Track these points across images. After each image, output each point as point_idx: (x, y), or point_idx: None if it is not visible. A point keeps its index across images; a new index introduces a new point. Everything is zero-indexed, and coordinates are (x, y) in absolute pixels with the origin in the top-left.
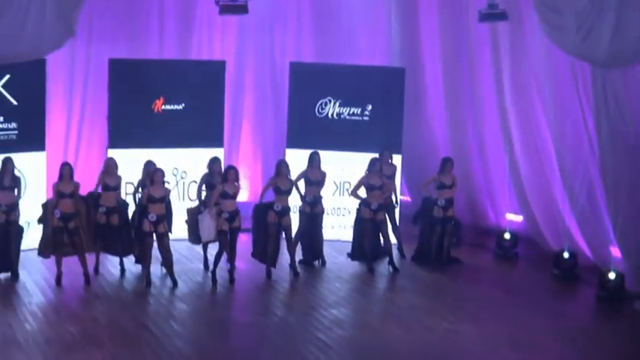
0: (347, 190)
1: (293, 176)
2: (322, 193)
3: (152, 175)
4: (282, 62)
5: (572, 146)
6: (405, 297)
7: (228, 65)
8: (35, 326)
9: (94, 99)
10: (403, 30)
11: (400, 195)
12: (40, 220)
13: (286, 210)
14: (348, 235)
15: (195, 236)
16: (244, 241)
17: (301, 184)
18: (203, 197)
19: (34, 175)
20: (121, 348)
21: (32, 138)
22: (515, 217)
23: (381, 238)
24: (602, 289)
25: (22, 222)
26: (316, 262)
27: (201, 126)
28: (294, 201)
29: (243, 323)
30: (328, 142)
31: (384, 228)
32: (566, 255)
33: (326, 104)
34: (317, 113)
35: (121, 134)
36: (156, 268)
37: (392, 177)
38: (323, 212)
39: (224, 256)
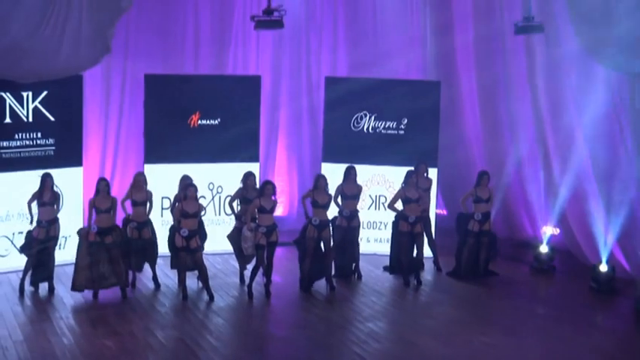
0: (383, 203)
1: (331, 190)
2: (358, 206)
3: (185, 190)
4: (318, 77)
5: (609, 158)
6: (442, 310)
7: (263, 80)
8: (73, 340)
9: (130, 114)
10: (438, 43)
11: (436, 209)
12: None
13: (325, 224)
14: (384, 248)
15: (242, 257)
16: (280, 256)
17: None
18: (237, 211)
19: (72, 190)
20: None
21: (69, 153)
22: (552, 230)
23: (415, 250)
24: None
25: (60, 236)
26: (353, 276)
27: (237, 141)
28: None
29: (279, 337)
30: (364, 156)
31: (420, 241)
32: (603, 268)
33: (361, 118)
34: (352, 127)
35: (157, 149)
36: (192, 282)
37: (427, 190)
38: (359, 226)
39: (260, 270)
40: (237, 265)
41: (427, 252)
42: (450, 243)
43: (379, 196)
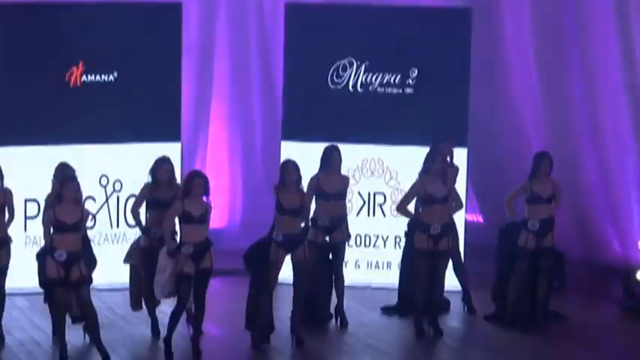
0: (380, 205)
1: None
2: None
3: (61, 188)
4: (273, 2)
5: None
6: None
7: (186, 9)
8: None
9: None
10: None
11: (466, 214)
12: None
13: (295, 239)
14: (383, 277)
15: (150, 293)
16: (218, 291)
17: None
18: (145, 222)
19: None
20: None
21: None
22: None
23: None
24: None
25: None
26: (332, 322)
27: (145, 108)
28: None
29: None
30: (349, 129)
31: (445, 264)
32: None
33: (344, 69)
34: (330, 83)
35: (13, 123)
36: (76, 334)
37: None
38: (345, 242)
39: (184, 316)
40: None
41: (452, 282)
42: (487, 269)
43: (374, 195)
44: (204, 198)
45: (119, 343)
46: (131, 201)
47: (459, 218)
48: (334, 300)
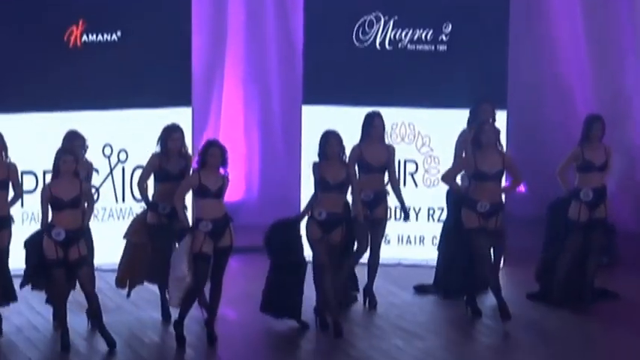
0: (411, 174)
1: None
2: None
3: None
4: None
5: None
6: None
7: None
8: None
9: None
10: None
11: (505, 183)
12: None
13: (337, 218)
14: (416, 254)
15: (159, 275)
16: (233, 271)
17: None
18: (152, 196)
19: None
20: None
21: None
22: None
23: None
24: None
25: None
26: (361, 302)
27: (151, 70)
28: None
29: None
30: (376, 91)
31: (501, 245)
32: None
33: (371, 24)
34: (355, 41)
35: (7, 90)
36: (79, 319)
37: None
38: (386, 217)
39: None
40: (156, 290)
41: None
42: (529, 242)
43: (405, 163)
44: (222, 170)
45: (126, 328)
46: (138, 173)
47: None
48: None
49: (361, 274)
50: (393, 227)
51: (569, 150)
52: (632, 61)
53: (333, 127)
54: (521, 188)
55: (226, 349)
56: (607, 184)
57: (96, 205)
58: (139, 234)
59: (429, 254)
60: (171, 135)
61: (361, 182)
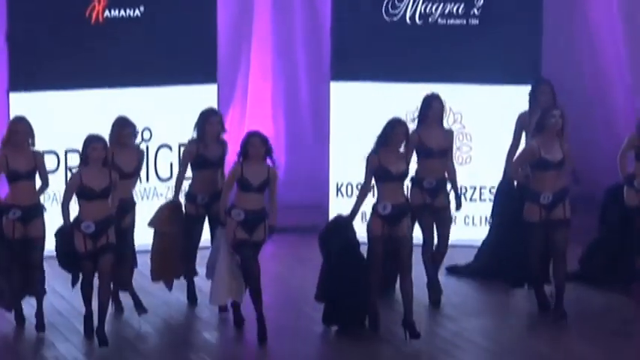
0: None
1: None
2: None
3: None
4: None
5: None
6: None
7: None
8: None
9: None
10: None
11: None
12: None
13: (402, 209)
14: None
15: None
16: (261, 254)
17: None
18: (189, 186)
19: None
20: None
21: None
22: None
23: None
24: None
25: None
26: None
27: (175, 47)
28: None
29: None
30: (406, 67)
31: (562, 237)
32: None
33: None
34: (384, 15)
35: (29, 67)
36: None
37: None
38: (449, 205)
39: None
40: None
41: None
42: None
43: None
44: (268, 160)
45: (152, 311)
46: (162, 152)
47: None
48: None
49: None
50: None
51: (606, 128)
52: None
53: (362, 103)
54: None
55: (248, 333)
56: None
57: None
58: (166, 223)
59: (460, 234)
60: (208, 119)
61: (421, 169)
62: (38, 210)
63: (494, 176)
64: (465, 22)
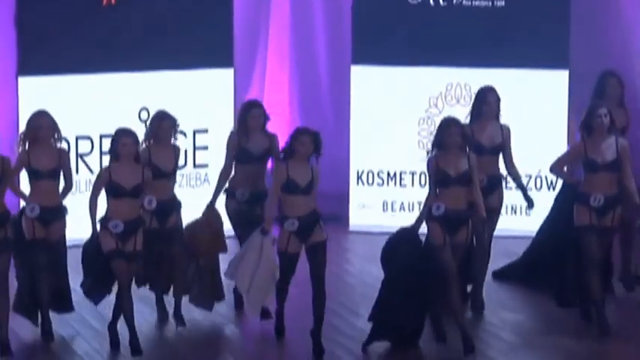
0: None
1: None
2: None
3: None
4: None
5: None
6: None
7: None
8: None
9: None
10: None
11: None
12: None
13: (462, 217)
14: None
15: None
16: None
17: None
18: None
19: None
20: None
21: None
22: None
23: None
24: None
25: None
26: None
27: (186, 27)
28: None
29: None
30: (430, 50)
31: (609, 246)
32: None
33: None
34: None
35: (40, 50)
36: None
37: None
38: (500, 208)
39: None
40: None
41: None
42: None
43: None
44: (314, 160)
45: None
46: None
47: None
48: None
49: None
50: None
51: (635, 121)
52: None
53: (384, 88)
54: None
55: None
56: None
57: None
58: (212, 246)
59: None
60: (250, 111)
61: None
62: (60, 212)
63: (518, 162)
64: (490, 3)
